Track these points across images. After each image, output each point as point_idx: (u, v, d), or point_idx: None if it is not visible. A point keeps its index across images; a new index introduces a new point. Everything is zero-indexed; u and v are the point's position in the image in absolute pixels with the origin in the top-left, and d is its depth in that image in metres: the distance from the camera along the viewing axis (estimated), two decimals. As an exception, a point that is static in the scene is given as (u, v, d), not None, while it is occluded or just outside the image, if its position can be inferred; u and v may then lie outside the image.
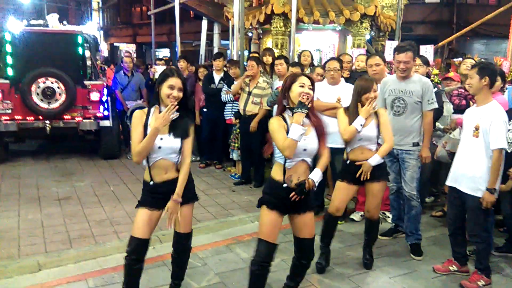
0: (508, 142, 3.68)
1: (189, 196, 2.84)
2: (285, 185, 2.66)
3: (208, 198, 5.40)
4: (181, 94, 2.70)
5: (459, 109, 4.49)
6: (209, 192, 5.62)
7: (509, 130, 3.73)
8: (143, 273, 2.86)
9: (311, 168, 2.75)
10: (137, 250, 2.73)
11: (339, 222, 4.19)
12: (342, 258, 3.77)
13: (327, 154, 2.81)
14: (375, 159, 3.39)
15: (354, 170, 3.42)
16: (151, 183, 2.75)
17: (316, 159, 2.80)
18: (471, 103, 4.53)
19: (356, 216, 4.69)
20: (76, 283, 3.28)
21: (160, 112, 2.67)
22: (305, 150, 2.65)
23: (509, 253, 3.91)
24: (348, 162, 3.48)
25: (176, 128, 2.72)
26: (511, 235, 3.97)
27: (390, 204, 4.38)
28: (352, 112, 3.42)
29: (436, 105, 3.92)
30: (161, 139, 2.68)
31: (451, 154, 4.19)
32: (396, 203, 4.25)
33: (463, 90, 4.54)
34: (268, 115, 5.37)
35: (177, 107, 2.65)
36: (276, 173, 2.72)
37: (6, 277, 3.34)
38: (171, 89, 2.66)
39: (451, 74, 5.26)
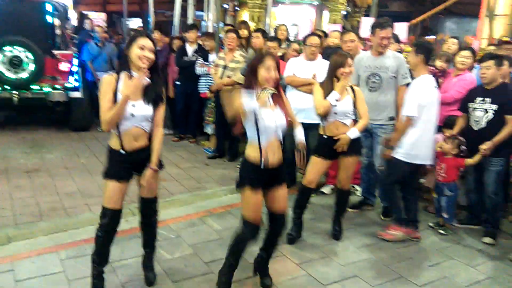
0: (475, 120, 3.83)
1: (158, 166, 2.80)
2: (262, 166, 2.69)
3: (181, 171, 5.40)
4: (152, 56, 2.59)
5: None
6: (182, 166, 5.62)
7: (475, 108, 3.87)
8: (116, 246, 2.88)
9: (282, 140, 2.79)
10: (112, 220, 2.71)
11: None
12: (312, 230, 3.88)
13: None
14: (354, 133, 3.47)
15: (330, 145, 3.49)
16: (122, 151, 2.66)
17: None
18: (440, 80, 4.65)
19: (326, 189, 4.80)
20: (48, 255, 3.26)
21: (131, 77, 2.57)
22: (276, 127, 2.69)
23: (470, 225, 4.11)
24: (325, 137, 3.53)
25: (148, 94, 2.64)
26: (472, 208, 4.17)
27: (360, 178, 4.50)
28: (327, 87, 3.46)
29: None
30: (134, 105, 2.58)
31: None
32: (366, 177, 4.37)
33: (433, 68, 4.63)
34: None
35: (148, 72, 2.57)
36: (251, 154, 2.73)
37: (-27, 250, 3.29)
38: (141, 50, 2.55)
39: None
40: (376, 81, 4.01)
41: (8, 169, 5.14)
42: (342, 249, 3.60)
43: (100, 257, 2.79)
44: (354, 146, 3.54)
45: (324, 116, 3.48)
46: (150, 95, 2.65)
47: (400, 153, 3.67)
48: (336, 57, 3.50)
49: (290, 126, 2.88)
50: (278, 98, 2.74)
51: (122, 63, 2.66)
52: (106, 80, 2.62)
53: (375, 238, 3.80)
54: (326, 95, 3.42)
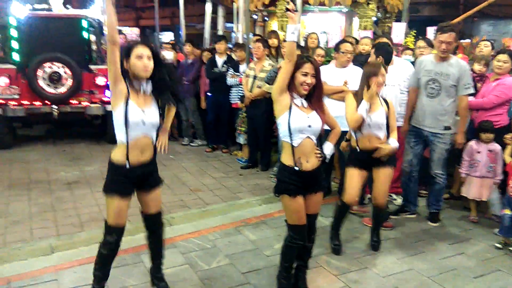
0: None
1: (156, 181, 2.82)
2: (296, 168, 2.69)
3: (215, 181, 5.44)
4: (152, 63, 2.55)
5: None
6: (216, 176, 5.66)
7: None
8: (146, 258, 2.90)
9: (318, 146, 2.78)
10: (118, 238, 2.67)
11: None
12: (350, 240, 3.81)
13: (337, 126, 2.91)
14: (394, 142, 3.42)
15: (362, 158, 3.44)
16: (127, 165, 2.59)
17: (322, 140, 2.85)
18: (478, 85, 4.52)
19: (364, 198, 4.72)
20: (89, 265, 3.28)
21: (132, 87, 2.56)
22: (309, 126, 2.67)
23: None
24: (358, 150, 3.47)
25: (155, 101, 2.66)
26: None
27: (401, 185, 4.39)
28: (360, 97, 3.41)
29: (472, 90, 3.88)
30: (144, 112, 2.56)
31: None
32: (406, 185, 4.27)
33: (472, 72, 4.49)
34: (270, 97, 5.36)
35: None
36: (285, 158, 2.74)
37: (19, 259, 3.41)
38: (140, 59, 2.51)
39: (459, 56, 5.22)
40: (435, 87, 3.89)
41: (50, 181, 5.33)
42: (380, 260, 3.51)
43: (104, 274, 2.77)
44: (390, 157, 3.47)
45: (358, 129, 3.44)
46: (157, 102, 2.66)
47: None
48: (369, 67, 3.47)
49: (325, 135, 2.86)
50: (316, 103, 2.72)
51: (123, 75, 2.57)
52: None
53: (416, 248, 3.69)
54: (359, 105, 3.38)
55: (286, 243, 2.85)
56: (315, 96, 2.71)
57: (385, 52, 3.69)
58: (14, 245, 3.69)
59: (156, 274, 3.03)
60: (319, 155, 2.75)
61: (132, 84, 2.58)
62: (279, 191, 2.77)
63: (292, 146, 2.69)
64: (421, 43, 4.86)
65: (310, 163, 2.72)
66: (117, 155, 2.61)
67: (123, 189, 2.62)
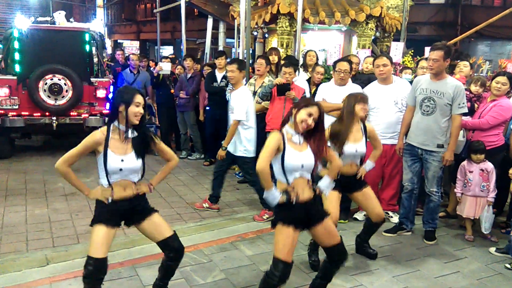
0: None
1: (150, 210, 2.84)
2: (294, 202, 2.70)
3: (212, 195, 5.44)
4: (143, 111, 2.68)
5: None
6: (213, 190, 5.66)
7: None
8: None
9: (312, 183, 2.81)
10: (98, 270, 2.60)
11: (341, 221, 4.26)
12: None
13: (336, 160, 2.98)
14: (369, 165, 3.68)
15: (343, 182, 3.52)
16: (109, 200, 2.67)
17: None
18: (475, 105, 4.57)
19: (359, 215, 4.72)
20: None
21: (118, 131, 2.64)
22: (302, 166, 2.70)
23: None
24: (339, 175, 3.45)
25: (137, 147, 2.69)
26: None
27: (401, 202, 4.41)
28: (345, 126, 3.48)
29: (465, 110, 3.95)
30: (122, 160, 2.63)
31: (454, 155, 4.23)
32: (407, 202, 4.29)
33: (468, 93, 4.56)
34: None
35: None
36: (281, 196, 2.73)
37: (15, 270, 3.40)
38: (137, 107, 2.61)
39: (456, 76, 5.29)
40: (430, 105, 3.97)
41: (47, 193, 5.33)
42: (376, 277, 3.51)
43: None
44: (361, 181, 3.63)
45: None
46: (139, 149, 2.69)
47: (241, 151, 4.61)
48: (350, 96, 3.60)
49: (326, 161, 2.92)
50: (313, 139, 2.75)
51: (111, 117, 2.67)
52: (95, 137, 2.63)
53: (412, 266, 3.69)
54: (340, 134, 3.45)
55: (264, 276, 2.78)
56: (316, 138, 2.74)
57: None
58: (9, 255, 3.67)
59: None
60: (314, 190, 2.80)
61: (118, 128, 2.65)
62: (274, 223, 2.76)
63: (287, 184, 2.72)
64: (423, 63, 4.94)
65: (306, 194, 2.75)
66: (96, 194, 2.71)
67: (105, 219, 2.65)
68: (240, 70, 4.65)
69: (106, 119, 6.78)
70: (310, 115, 2.67)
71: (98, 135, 2.64)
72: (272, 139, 2.70)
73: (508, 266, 3.70)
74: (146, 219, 2.79)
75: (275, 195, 2.68)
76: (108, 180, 2.66)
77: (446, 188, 4.96)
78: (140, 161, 2.70)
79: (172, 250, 2.83)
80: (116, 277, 3.32)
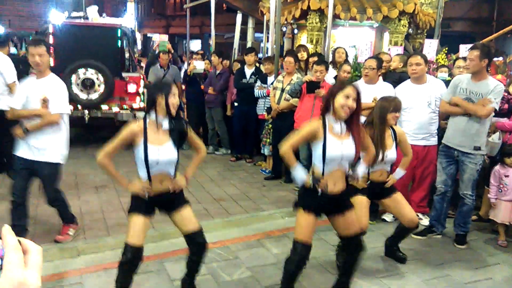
0: None
1: (182, 201, 2.87)
2: (319, 192, 2.70)
3: (239, 192, 5.47)
4: (178, 101, 2.74)
5: (501, 113, 4.37)
6: (240, 186, 5.69)
7: None
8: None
9: (347, 173, 2.79)
10: (136, 257, 2.68)
11: (370, 222, 4.20)
12: (373, 259, 3.76)
13: (372, 150, 2.94)
14: (399, 173, 3.58)
15: (373, 189, 3.48)
16: (146, 196, 2.73)
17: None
18: (513, 106, 4.41)
19: (388, 217, 4.65)
20: (113, 270, 3.35)
21: (157, 122, 2.67)
22: (342, 155, 2.67)
23: None
24: (369, 182, 3.47)
25: (174, 138, 2.72)
26: None
27: (432, 205, 4.31)
28: (378, 134, 3.38)
29: (496, 106, 3.82)
30: (159, 152, 2.65)
31: (489, 158, 4.10)
32: (439, 205, 4.20)
33: (506, 94, 4.40)
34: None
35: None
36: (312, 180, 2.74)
37: (46, 261, 3.49)
38: (174, 97, 2.66)
39: (498, 77, 5.11)
40: None
41: (78, 185, 5.47)
42: (405, 281, 3.44)
43: (125, 285, 2.79)
44: (391, 187, 3.55)
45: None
46: (175, 138, 2.73)
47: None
48: (383, 102, 3.47)
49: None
50: (354, 128, 2.71)
51: (149, 107, 2.71)
52: (133, 130, 2.68)
53: (442, 270, 3.61)
54: (375, 142, 3.31)
55: (287, 261, 2.84)
56: (354, 120, 2.69)
57: None
58: (42, 246, 3.77)
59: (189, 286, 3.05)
60: (350, 179, 2.77)
61: (155, 119, 2.69)
62: (296, 206, 2.80)
63: (323, 173, 2.70)
64: (460, 62, 4.80)
65: (337, 187, 2.73)
66: (135, 187, 2.75)
67: (141, 208, 2.72)
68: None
69: (136, 113, 6.96)
70: (347, 97, 2.61)
71: (134, 126, 2.70)
72: (308, 127, 2.70)
73: None
74: (176, 210, 2.83)
75: (300, 175, 2.72)
76: (146, 172, 2.70)
77: (479, 191, 4.81)
78: (176, 152, 2.73)
79: (195, 244, 2.87)
80: (144, 271, 3.36)
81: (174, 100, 2.66)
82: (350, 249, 2.89)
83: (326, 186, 2.68)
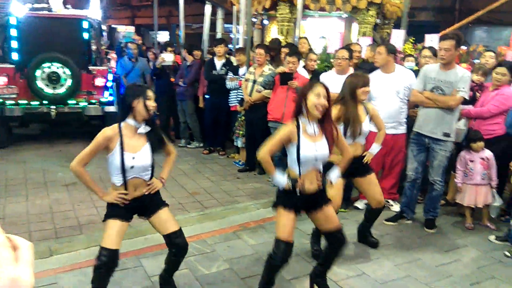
0: None
1: (161, 203, 2.85)
2: (298, 192, 2.73)
3: (213, 184, 5.46)
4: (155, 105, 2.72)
5: (466, 100, 4.51)
6: (214, 179, 5.67)
7: None
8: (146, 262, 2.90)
9: (322, 173, 2.83)
10: (111, 260, 2.64)
11: (342, 210, 4.29)
12: (348, 245, 3.84)
13: (348, 151, 2.95)
14: (376, 148, 3.62)
15: (349, 166, 3.45)
16: (122, 205, 2.70)
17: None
18: (477, 94, 4.57)
19: (360, 204, 4.75)
20: (88, 269, 3.30)
21: (132, 128, 2.65)
22: (316, 157, 2.71)
23: None
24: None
25: (152, 143, 2.71)
26: None
27: (403, 191, 4.44)
28: (349, 110, 3.40)
29: (465, 95, 3.93)
30: (133, 158, 2.63)
31: (455, 144, 4.25)
32: (409, 191, 4.33)
33: (471, 82, 4.55)
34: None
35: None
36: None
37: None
38: (149, 100, 2.65)
39: (463, 65, 5.28)
40: (438, 94, 3.98)
41: (47, 183, 5.32)
42: (378, 266, 3.55)
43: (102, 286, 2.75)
44: (367, 166, 3.62)
45: None
46: (154, 143, 2.72)
47: None
48: (352, 78, 3.51)
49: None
50: (327, 127, 2.73)
51: (125, 113, 2.67)
52: (108, 134, 2.62)
53: (413, 255, 3.74)
54: (346, 118, 3.38)
55: (267, 258, 2.86)
56: (326, 119, 2.72)
57: None
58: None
59: (166, 285, 3.02)
60: (320, 182, 2.80)
61: (129, 124, 2.65)
62: (275, 205, 2.82)
63: (300, 174, 2.73)
64: (426, 52, 4.91)
65: (313, 186, 2.77)
66: (111, 198, 2.70)
67: (118, 213, 2.68)
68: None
69: (105, 107, 6.79)
70: (319, 95, 2.63)
71: (108, 131, 2.62)
72: (283, 131, 2.71)
73: (508, 253, 3.75)
74: (154, 214, 2.80)
75: (280, 180, 2.74)
76: (122, 179, 2.66)
77: (446, 176, 4.98)
78: (150, 157, 2.70)
79: (174, 246, 2.83)
80: (121, 267, 3.31)
81: (150, 103, 2.64)
82: (332, 243, 2.92)
83: (303, 186, 2.72)
